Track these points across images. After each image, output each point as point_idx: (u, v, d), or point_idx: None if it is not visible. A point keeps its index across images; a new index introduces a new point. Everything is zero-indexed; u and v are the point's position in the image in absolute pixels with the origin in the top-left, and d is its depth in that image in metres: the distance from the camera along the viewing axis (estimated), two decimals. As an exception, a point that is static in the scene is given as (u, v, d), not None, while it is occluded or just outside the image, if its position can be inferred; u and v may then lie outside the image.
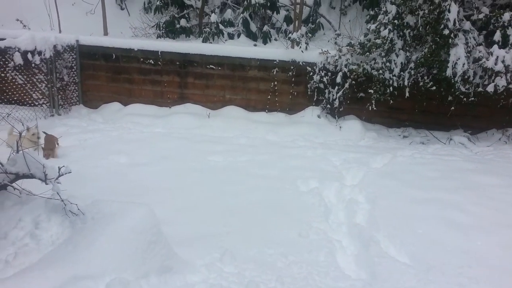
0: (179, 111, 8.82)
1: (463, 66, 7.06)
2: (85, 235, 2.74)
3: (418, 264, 3.66)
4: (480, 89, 7.25)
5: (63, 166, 3.26)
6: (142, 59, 9.00)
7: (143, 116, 8.60)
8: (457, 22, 6.99)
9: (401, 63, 7.64)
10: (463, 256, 3.79)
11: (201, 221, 4.29)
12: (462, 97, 7.44)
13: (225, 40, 10.09)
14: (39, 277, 2.31)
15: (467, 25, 7.25)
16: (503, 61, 6.98)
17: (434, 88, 7.64)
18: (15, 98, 8.45)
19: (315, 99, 8.65)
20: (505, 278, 3.44)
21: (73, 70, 9.01)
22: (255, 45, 9.98)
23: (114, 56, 9.06)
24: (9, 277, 2.44)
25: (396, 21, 7.52)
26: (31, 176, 3.36)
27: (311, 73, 8.47)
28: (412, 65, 7.58)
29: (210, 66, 8.86)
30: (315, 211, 4.71)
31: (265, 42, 10.29)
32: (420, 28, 7.51)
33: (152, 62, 8.98)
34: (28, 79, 8.43)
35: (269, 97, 8.88)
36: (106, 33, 9.87)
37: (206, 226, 4.17)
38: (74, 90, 9.20)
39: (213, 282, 3.03)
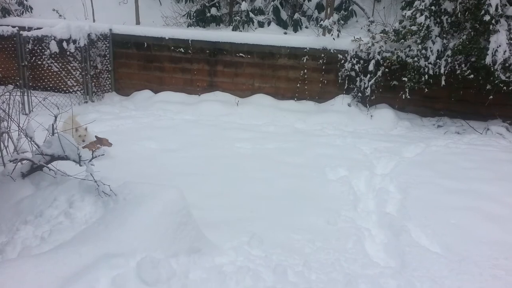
0: (208, 98, 8.89)
1: (504, 54, 6.73)
2: (117, 215, 2.82)
3: (450, 254, 3.55)
4: (521, 77, 6.89)
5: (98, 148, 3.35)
6: (172, 48, 9.09)
7: (173, 103, 8.73)
8: (499, 7, 6.65)
9: (438, 50, 7.36)
10: (498, 248, 3.65)
11: (229, 206, 4.32)
12: (502, 85, 7.10)
13: (255, 28, 10.04)
14: (72, 254, 2.40)
15: (510, 10, 6.87)
16: (547, 48, 6.59)
17: (471, 76, 7.33)
18: (51, 85, 8.76)
19: (345, 87, 8.49)
20: (544, 272, 3.29)
21: (106, 58, 9.23)
22: (285, 33, 9.88)
23: (145, 45, 9.20)
24: (44, 252, 2.54)
25: (433, 7, 7.23)
26: (65, 157, 3.48)
27: (343, 61, 8.31)
28: (449, 52, 7.29)
29: (240, 54, 8.84)
30: (343, 200, 4.65)
31: (295, 30, 10.17)
32: (459, 14, 7.19)
33: (183, 51, 9.06)
34: (63, 66, 8.71)
35: (298, 85, 8.79)
36: (138, 22, 10.03)
37: (234, 211, 4.20)
38: (107, 78, 9.43)
39: (240, 264, 3.06)
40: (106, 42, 9.12)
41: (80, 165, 3.41)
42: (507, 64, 6.84)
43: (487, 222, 4.11)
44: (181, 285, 2.51)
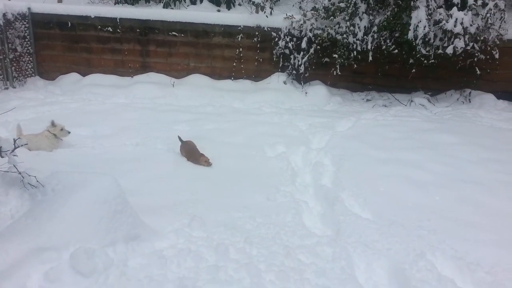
0: (142, 80, 8.57)
1: (424, 29, 7.18)
2: (46, 207, 2.67)
3: (380, 220, 3.82)
4: (440, 51, 7.42)
5: (18, 138, 3.11)
6: (99, 27, 8.59)
7: (103, 86, 8.30)
8: (418, -16, 7.05)
9: (365, 27, 7.68)
10: (422, 211, 3.98)
11: (169, 190, 4.26)
12: (423, 59, 7.60)
13: (187, 6, 9.76)
14: (-2, 250, 2.25)
15: (428, -14, 7.32)
16: (461, 23, 7.14)
17: (396, 51, 7.76)
18: (-37, 71, 7.94)
19: (280, 65, 8.61)
20: (461, 229, 3.65)
21: (26, 40, 8.51)
22: (218, 10, 9.72)
23: (69, 24, 8.60)
24: (-34, 253, 2.35)
25: (360, -16, 7.49)
26: (-18, 149, 3.19)
27: (276, 39, 8.39)
28: (375, 28, 7.63)
29: (173, 33, 8.58)
30: (282, 175, 4.78)
31: (228, 8, 10.04)
32: (383, -9, 7.53)
33: (111, 30, 8.59)
34: (-24, 50, 7.91)
35: (234, 64, 8.76)
36: (60, 0, 9.30)
37: (174, 194, 4.15)
38: (29, 61, 8.71)
39: (181, 246, 3.05)
40: (25, 22, 8.38)
41: (2, 156, 3.16)
42: (427, 39, 7.32)
43: (412, 187, 4.45)
44: (120, 273, 2.45)
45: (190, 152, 5.11)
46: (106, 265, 2.44)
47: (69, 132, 5.39)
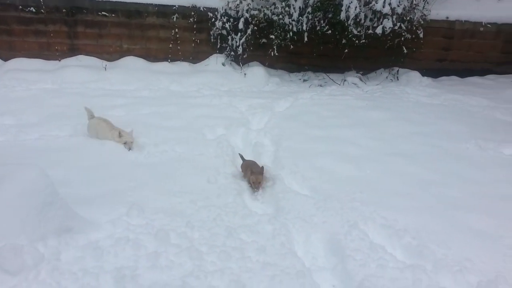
0: (71, 64, 8.06)
1: (355, 10, 7.42)
2: (-36, 203, 2.45)
3: (317, 195, 3.98)
4: (370, 31, 7.74)
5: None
6: (21, 7, 7.90)
7: (28, 71, 7.70)
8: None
9: (300, 7, 7.78)
10: (355, 184, 4.20)
11: (105, 178, 4.10)
12: (355, 39, 7.89)
13: (117, -16, 9.22)
14: None
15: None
16: (390, 4, 7.47)
17: (329, 32, 7.97)
18: None
19: (218, 46, 8.50)
20: (390, 199, 3.91)
21: None
22: (150, -11, 9.30)
23: (-17, 4, 7.80)
24: None
25: (293, -37, 7.53)
26: None
27: (213, 19, 8.25)
28: (309, 9, 7.76)
29: (102, 13, 8.11)
30: (222, 157, 4.79)
31: (161, -13, 9.63)
32: (316, -29, 7.64)
33: (34, 10, 7.94)
34: None
35: (170, 45, 8.51)
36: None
37: (111, 183, 4.00)
38: None
39: (119, 236, 2.97)
40: None
41: None
42: (358, 19, 7.59)
43: (345, 163, 4.67)
44: (52, 268, 2.34)
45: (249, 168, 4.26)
46: (36, 260, 2.31)
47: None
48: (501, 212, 3.69)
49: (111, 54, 8.41)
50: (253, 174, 4.10)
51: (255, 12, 8.06)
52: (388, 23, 7.62)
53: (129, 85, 7.59)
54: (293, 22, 7.78)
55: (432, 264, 2.98)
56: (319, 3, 7.65)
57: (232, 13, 8.16)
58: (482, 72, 9.11)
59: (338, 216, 3.61)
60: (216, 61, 8.46)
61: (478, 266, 2.97)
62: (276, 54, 8.11)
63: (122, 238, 2.94)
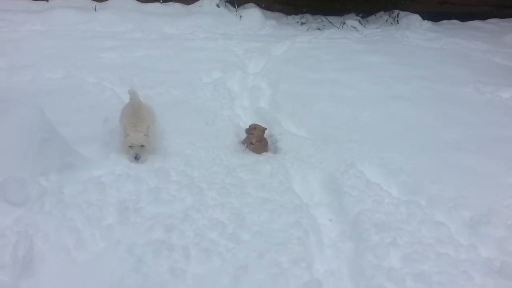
0: (59, 5, 7.71)
1: None
2: (-38, 138, 2.43)
3: (314, 136, 4.00)
4: (370, -29, 7.43)
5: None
6: None
7: (14, 12, 7.36)
8: None
9: None
10: (353, 126, 4.22)
11: (100, 119, 4.06)
12: (355, -20, 7.59)
13: None
14: None
15: None
16: None
17: (329, -28, 7.64)
18: None
19: (212, -14, 8.14)
20: (387, 140, 3.94)
21: None
22: None
23: None
24: None
25: None
26: None
27: (206, -44, 7.83)
28: None
29: (89, -52, 7.65)
30: (219, 101, 4.74)
31: None
32: None
33: None
34: None
35: (162, -15, 8.14)
36: None
37: (106, 124, 3.96)
38: None
39: (119, 172, 2.99)
40: None
41: None
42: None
43: (344, 105, 4.66)
44: (56, 200, 2.38)
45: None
46: (40, 193, 2.34)
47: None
48: (494, 153, 3.75)
49: (100, -5, 8.04)
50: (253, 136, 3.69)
51: (251, -51, 7.65)
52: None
53: (121, 27, 7.32)
54: (291, -40, 7.42)
55: (426, 200, 3.06)
56: None
57: (226, -51, 7.75)
58: (483, 16, 8.88)
59: (335, 157, 3.65)
60: (210, 2, 8.14)
61: (471, 202, 3.06)
62: (273, -5, 7.81)
63: (123, 174, 2.96)
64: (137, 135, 3.24)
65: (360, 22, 8.23)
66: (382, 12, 8.68)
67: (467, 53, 6.68)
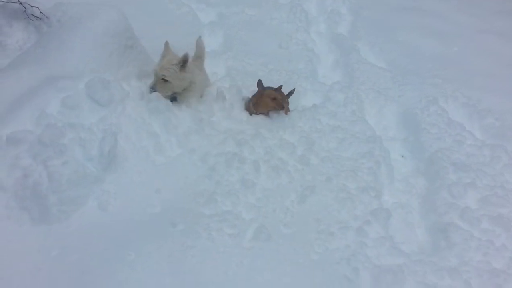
0: None
1: None
2: (54, 38, 2.53)
3: (395, 69, 3.74)
4: None
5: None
6: None
7: None
8: None
9: None
10: (439, 61, 3.88)
11: (178, 35, 4.06)
12: None
13: None
14: (12, 76, 2.22)
15: None
16: None
17: None
18: None
19: None
20: (476, 78, 3.60)
21: None
22: None
23: None
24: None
25: None
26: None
27: None
28: None
29: None
30: (295, 23, 4.52)
31: None
32: None
33: None
34: None
35: None
36: None
37: (184, 40, 3.96)
38: None
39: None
40: None
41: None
42: None
43: (431, 38, 4.26)
44: (135, 105, 2.48)
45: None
46: (123, 96, 2.44)
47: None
48: None
49: None
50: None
51: None
52: None
53: None
54: None
55: (514, 145, 2.82)
56: None
57: None
58: None
59: (416, 91, 3.42)
60: None
61: None
62: None
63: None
64: (165, 64, 2.60)
65: None
66: None
67: None
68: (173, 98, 2.70)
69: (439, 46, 4.12)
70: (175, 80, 2.59)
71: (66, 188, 1.97)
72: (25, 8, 2.77)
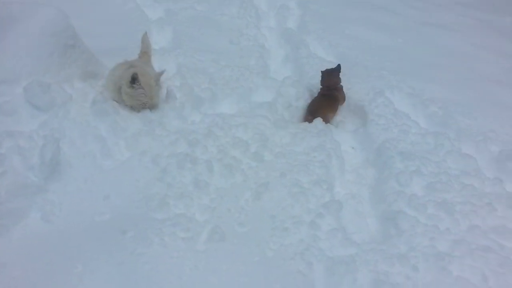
0: None
1: None
2: (-15, 40, 2.38)
3: (343, 62, 3.75)
4: None
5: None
6: None
7: None
8: None
9: None
10: (385, 53, 4.00)
11: (125, 32, 3.93)
12: None
13: None
14: None
15: None
16: None
17: None
18: None
19: None
20: (420, 69, 3.76)
21: None
22: None
23: None
24: None
25: None
26: None
27: None
28: None
29: None
30: (245, 19, 4.51)
31: None
32: None
33: None
34: None
35: None
36: None
37: (130, 37, 3.84)
38: None
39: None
40: None
41: None
42: None
43: (377, 31, 4.39)
44: (80, 107, 2.37)
45: None
46: (65, 100, 2.33)
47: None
48: (534, 89, 3.54)
49: None
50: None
51: None
52: None
53: None
54: None
55: (455, 132, 2.97)
56: None
57: None
58: None
59: (363, 84, 3.50)
60: None
61: (502, 137, 2.96)
62: None
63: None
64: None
65: None
66: None
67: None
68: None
69: (386, 39, 4.26)
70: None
71: (5, 200, 1.87)
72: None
